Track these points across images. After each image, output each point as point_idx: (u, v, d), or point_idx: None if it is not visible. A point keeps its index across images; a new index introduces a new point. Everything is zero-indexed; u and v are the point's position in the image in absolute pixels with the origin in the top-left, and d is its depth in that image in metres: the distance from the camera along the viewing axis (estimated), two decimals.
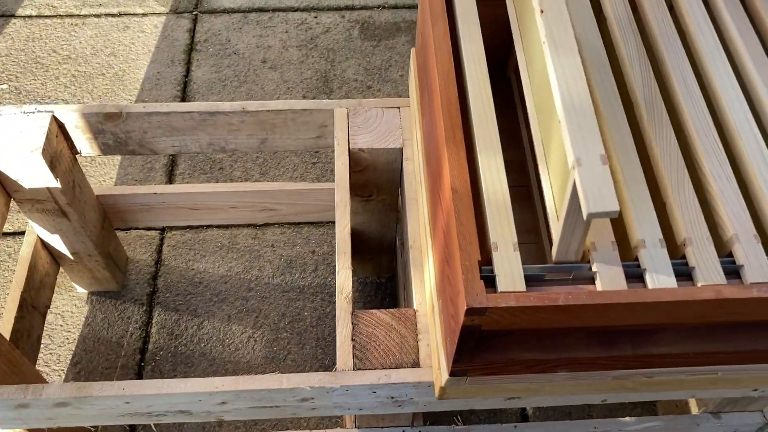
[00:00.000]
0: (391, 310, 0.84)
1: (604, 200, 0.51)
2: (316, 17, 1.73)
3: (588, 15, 0.77)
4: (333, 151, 1.39)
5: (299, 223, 1.39)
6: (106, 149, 1.06)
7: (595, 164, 0.53)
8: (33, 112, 0.98)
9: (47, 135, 0.96)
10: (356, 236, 1.20)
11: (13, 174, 0.97)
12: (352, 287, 1.35)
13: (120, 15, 1.73)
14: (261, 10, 1.74)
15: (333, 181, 1.32)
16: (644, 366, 0.71)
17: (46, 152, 0.95)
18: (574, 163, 0.54)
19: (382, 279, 1.33)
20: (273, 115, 1.03)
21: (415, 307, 0.85)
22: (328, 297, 1.29)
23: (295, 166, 1.48)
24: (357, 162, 1.01)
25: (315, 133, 1.06)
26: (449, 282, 0.67)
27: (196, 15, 1.74)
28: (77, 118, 1.00)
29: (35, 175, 0.97)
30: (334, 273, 1.32)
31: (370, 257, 1.29)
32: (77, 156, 1.06)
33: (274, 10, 1.74)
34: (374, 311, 0.84)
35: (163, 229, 1.37)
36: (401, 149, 0.99)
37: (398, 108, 1.02)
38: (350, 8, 1.76)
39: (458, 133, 0.71)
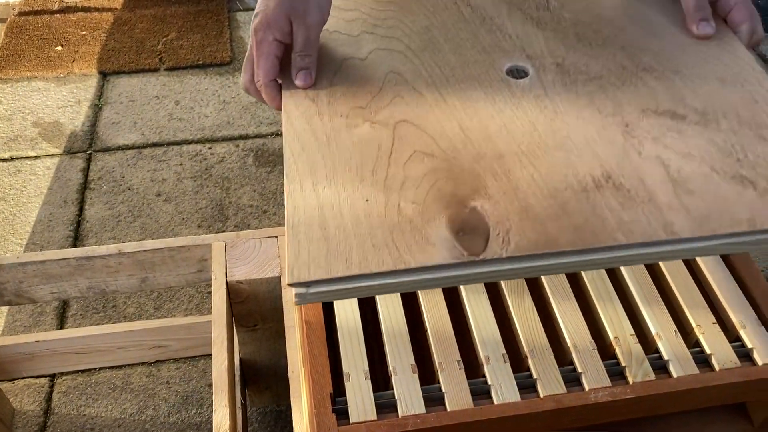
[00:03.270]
0: None
1: (414, 404, 0.63)
2: (210, 148, 1.77)
3: None
4: None
5: (195, 357, 1.35)
6: None
7: (407, 372, 0.65)
8: None
9: None
10: (248, 366, 1.18)
11: None
12: (252, 418, 1.32)
13: (11, 159, 1.73)
14: (155, 144, 1.77)
15: None
16: None
17: None
18: (392, 372, 0.65)
19: (282, 407, 1.29)
20: (151, 254, 1.03)
21: None
22: None
23: (191, 297, 1.46)
24: (237, 293, 1.01)
25: (195, 268, 1.07)
26: (310, 415, 0.67)
27: (90, 154, 1.75)
28: None
29: None
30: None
31: (266, 386, 1.26)
32: None
33: (169, 144, 1.78)
34: None
35: (53, 375, 1.31)
36: (279, 278, 0.99)
37: (276, 237, 1.04)
38: (244, 137, 1.80)
39: None
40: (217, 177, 1.69)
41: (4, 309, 1.40)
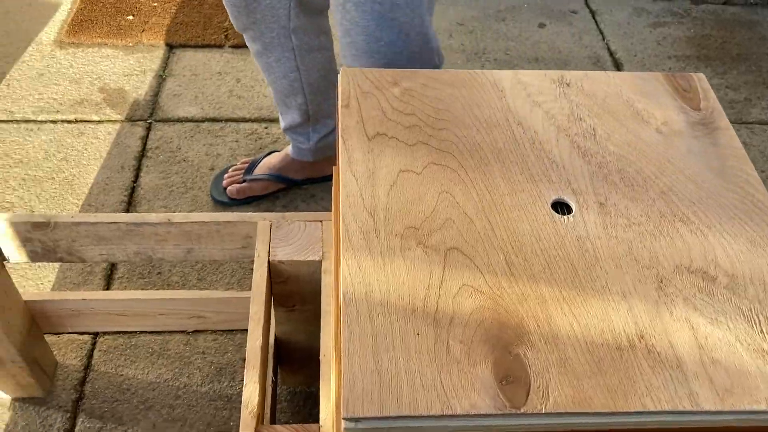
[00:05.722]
0: (295, 425, 0.87)
1: None
2: (266, 128, 1.82)
3: None
4: None
5: (232, 330, 1.42)
6: (34, 257, 1.09)
7: None
8: None
9: None
10: (283, 345, 1.23)
11: None
12: (282, 396, 1.37)
13: (76, 122, 1.80)
14: (214, 119, 1.83)
15: None
16: None
17: None
18: None
19: (313, 389, 1.35)
20: (198, 227, 1.07)
21: (320, 422, 0.88)
22: None
23: (233, 272, 1.53)
24: (279, 273, 1.05)
25: (240, 244, 1.10)
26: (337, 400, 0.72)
27: (150, 123, 1.82)
28: (6, 226, 1.04)
29: None
30: None
31: (299, 367, 1.32)
32: (5, 262, 1.09)
33: (227, 120, 1.83)
34: (277, 426, 0.87)
35: (96, 334, 1.40)
36: (320, 261, 1.03)
37: (321, 221, 1.07)
38: None
39: None
40: None
41: (56, 265, 1.48)
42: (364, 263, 0.61)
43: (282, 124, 1.53)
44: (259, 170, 1.62)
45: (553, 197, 0.68)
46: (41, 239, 1.06)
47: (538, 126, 0.75)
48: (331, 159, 1.63)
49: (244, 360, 1.37)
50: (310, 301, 1.12)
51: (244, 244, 1.10)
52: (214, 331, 1.41)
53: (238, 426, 1.28)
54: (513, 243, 0.63)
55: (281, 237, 1.04)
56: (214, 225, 1.07)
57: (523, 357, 0.55)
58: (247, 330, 1.40)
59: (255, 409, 0.85)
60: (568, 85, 0.80)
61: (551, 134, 0.74)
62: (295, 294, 1.09)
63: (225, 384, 1.34)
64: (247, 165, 1.64)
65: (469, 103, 0.77)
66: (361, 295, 0.59)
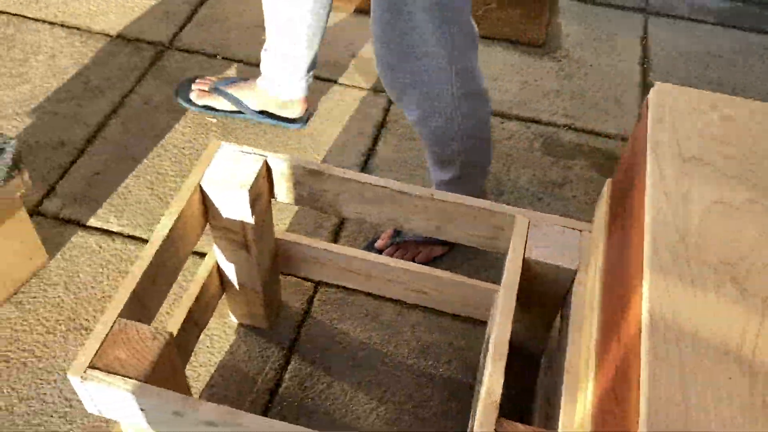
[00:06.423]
0: (536, 428, 0.86)
1: None
2: (502, 123, 1.83)
3: None
4: (498, 254, 1.44)
5: (443, 312, 1.44)
6: (299, 200, 1.17)
7: None
8: (250, 153, 1.12)
9: (257, 176, 1.08)
10: None
11: (217, 202, 1.10)
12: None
13: (327, 81, 1.92)
14: None
15: (486, 281, 1.34)
16: None
17: (252, 190, 1.07)
18: None
19: (512, 391, 1.31)
20: (454, 207, 1.09)
21: (560, 430, 0.88)
22: (458, 393, 1.32)
23: (454, 256, 1.55)
24: (528, 271, 1.04)
25: (489, 233, 1.11)
26: (615, 419, 0.68)
27: None
28: (284, 167, 1.12)
29: (236, 208, 1.09)
30: (466, 369, 1.36)
31: (508, 365, 1.27)
32: (272, 199, 1.18)
33: None
34: (518, 424, 0.86)
35: (318, 283, 1.48)
36: (575, 271, 1.01)
37: (579, 231, 1.04)
38: (536, 121, 1.84)
39: None
40: (501, 152, 1.75)
41: (293, 213, 1.58)
42: (672, 288, 0.60)
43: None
44: None
45: None
46: (311, 186, 1.13)
47: None
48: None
49: (449, 344, 1.38)
50: (548, 306, 1.11)
51: (493, 234, 1.10)
52: (425, 309, 1.43)
53: (438, 407, 1.29)
54: None
55: (538, 237, 1.03)
56: (470, 209, 1.08)
57: None
58: (456, 315, 1.41)
59: (497, 400, 0.85)
60: None
61: None
62: (538, 295, 1.09)
63: (429, 362, 1.36)
64: None
65: None
66: (669, 320, 0.57)
